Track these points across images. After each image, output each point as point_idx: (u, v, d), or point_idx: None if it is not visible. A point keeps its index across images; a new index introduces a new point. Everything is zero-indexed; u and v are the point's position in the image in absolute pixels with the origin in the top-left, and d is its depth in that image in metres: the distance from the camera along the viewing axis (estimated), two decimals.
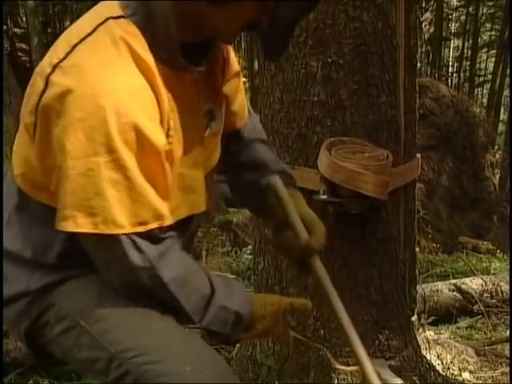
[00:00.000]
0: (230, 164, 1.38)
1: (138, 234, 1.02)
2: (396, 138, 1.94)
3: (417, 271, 2.21)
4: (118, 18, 1.02)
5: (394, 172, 1.86)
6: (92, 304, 1.09)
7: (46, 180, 1.05)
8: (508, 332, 2.99)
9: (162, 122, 1.04)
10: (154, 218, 1.03)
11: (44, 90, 0.98)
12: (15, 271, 1.13)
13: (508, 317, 3.13)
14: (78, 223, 0.98)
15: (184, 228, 1.18)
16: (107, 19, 1.01)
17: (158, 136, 1.01)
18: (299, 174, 1.91)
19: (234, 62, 1.31)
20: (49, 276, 1.12)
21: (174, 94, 1.07)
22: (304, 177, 1.89)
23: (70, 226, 0.98)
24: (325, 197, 1.81)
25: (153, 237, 1.04)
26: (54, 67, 0.98)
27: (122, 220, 0.99)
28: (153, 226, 1.03)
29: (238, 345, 2.50)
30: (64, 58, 0.98)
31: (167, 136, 1.05)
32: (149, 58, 1.01)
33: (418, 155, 2.08)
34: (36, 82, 1.00)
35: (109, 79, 0.96)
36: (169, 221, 1.07)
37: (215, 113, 1.24)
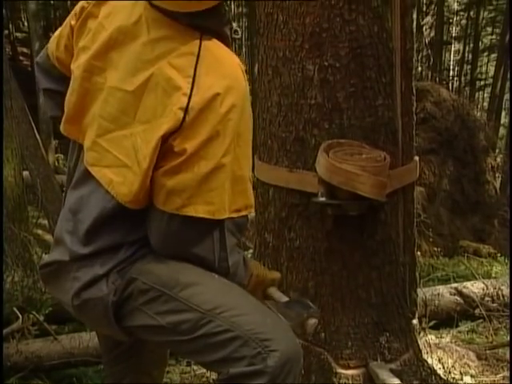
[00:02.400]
0: None
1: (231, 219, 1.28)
2: (393, 140, 1.94)
3: (417, 274, 2.20)
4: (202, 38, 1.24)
5: (392, 174, 1.86)
6: (175, 275, 1.29)
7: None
8: (509, 336, 2.99)
9: None
10: (246, 206, 1.30)
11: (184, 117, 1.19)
12: (100, 258, 1.31)
13: (509, 321, 3.12)
14: (198, 210, 1.23)
15: None
16: (200, 43, 1.23)
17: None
18: (298, 177, 1.92)
19: None
20: (133, 249, 1.31)
21: None
22: (302, 180, 1.90)
23: (190, 211, 1.23)
24: (323, 199, 1.81)
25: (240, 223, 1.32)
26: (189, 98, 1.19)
27: (227, 207, 1.25)
28: (244, 213, 1.30)
29: None
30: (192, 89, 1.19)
31: None
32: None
33: (416, 158, 2.08)
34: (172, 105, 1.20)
35: (238, 84, 1.23)
36: (253, 210, 1.34)
37: None
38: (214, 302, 1.26)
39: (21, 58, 18.01)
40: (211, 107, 1.19)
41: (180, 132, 1.20)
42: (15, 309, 2.95)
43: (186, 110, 1.18)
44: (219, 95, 1.19)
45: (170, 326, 1.27)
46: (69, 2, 16.18)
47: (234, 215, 1.27)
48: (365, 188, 1.72)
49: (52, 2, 17.39)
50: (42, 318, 2.92)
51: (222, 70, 1.23)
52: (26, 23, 17.49)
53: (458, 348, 2.71)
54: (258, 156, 2.09)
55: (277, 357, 1.20)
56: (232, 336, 1.23)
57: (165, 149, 1.21)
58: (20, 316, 2.92)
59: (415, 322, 2.18)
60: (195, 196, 1.23)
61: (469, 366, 2.56)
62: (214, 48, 1.24)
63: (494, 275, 4.21)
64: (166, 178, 1.23)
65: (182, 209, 1.23)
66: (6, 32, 16.61)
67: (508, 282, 3.48)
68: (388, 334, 2.01)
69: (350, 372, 1.95)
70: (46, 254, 3.96)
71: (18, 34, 19.12)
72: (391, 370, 1.95)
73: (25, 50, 17.61)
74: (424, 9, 14.51)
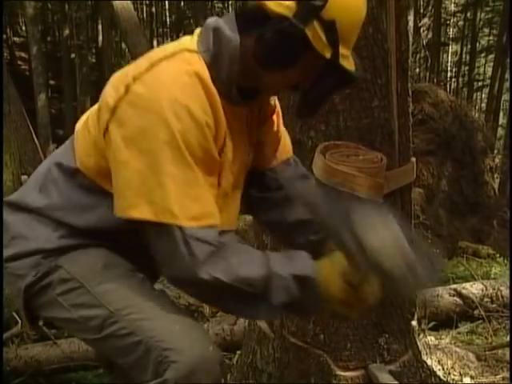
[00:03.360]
0: (274, 199, 1.51)
1: (194, 229, 1.14)
2: (390, 142, 1.94)
3: None
4: (191, 51, 1.22)
5: (389, 175, 1.87)
6: (97, 270, 1.26)
7: (104, 169, 1.23)
8: (509, 337, 2.99)
9: (216, 141, 1.21)
10: (205, 215, 1.16)
11: (123, 96, 1.16)
12: (37, 229, 1.30)
13: (509, 321, 3.12)
14: (141, 210, 1.14)
15: None
16: (184, 50, 1.22)
17: (212, 147, 1.19)
18: None
19: (278, 112, 1.53)
20: (66, 239, 1.28)
21: (229, 125, 1.26)
22: None
23: (134, 213, 1.15)
24: None
25: (207, 234, 1.16)
26: (135, 79, 1.17)
27: (176, 211, 1.13)
28: (204, 222, 1.16)
29: (238, 352, 2.50)
30: (143, 73, 1.18)
31: (221, 151, 1.24)
32: (214, 89, 1.20)
33: (413, 159, 2.09)
34: (117, 88, 1.19)
35: (176, 92, 1.14)
36: (217, 221, 1.19)
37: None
38: (123, 302, 1.22)
39: (19, 62, 18.02)
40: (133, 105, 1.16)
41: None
42: (14, 313, 2.95)
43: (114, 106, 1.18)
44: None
45: (81, 320, 1.25)
46: (66, 7, 16.20)
47: (193, 224, 1.14)
48: (362, 189, 1.73)
49: (50, 6, 17.40)
50: (41, 323, 2.91)
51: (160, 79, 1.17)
52: (23, 28, 17.51)
53: (458, 349, 2.71)
54: None
55: (176, 369, 1.15)
56: (136, 341, 1.19)
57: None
58: (19, 321, 2.92)
59: (414, 323, 2.18)
60: (136, 195, 1.15)
61: (468, 367, 2.56)
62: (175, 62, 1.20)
63: (493, 276, 4.21)
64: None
65: (128, 210, 1.16)
66: (4, 36, 16.62)
67: (507, 282, 3.48)
68: (387, 336, 2.01)
69: (349, 374, 1.95)
70: None
71: (16, 39, 19.13)
72: (390, 372, 1.95)
73: (23, 54, 17.62)
74: (421, 10, 14.54)
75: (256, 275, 1.16)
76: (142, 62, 1.23)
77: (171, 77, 1.17)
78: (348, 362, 1.96)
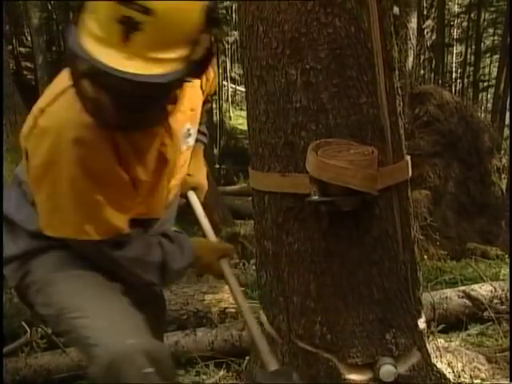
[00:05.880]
0: None
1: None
2: (381, 137, 1.94)
3: (419, 273, 2.19)
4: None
5: (383, 171, 1.86)
6: (49, 272, 1.44)
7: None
8: None
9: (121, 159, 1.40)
10: (111, 230, 1.41)
11: (32, 127, 1.37)
12: (8, 235, 1.50)
13: (509, 321, 3.10)
14: (55, 229, 1.40)
15: (145, 224, 1.60)
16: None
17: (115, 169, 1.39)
18: (290, 180, 1.92)
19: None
20: (30, 242, 1.46)
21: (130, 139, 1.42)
22: (295, 182, 1.90)
23: (48, 231, 1.40)
24: (316, 197, 1.82)
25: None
26: (42, 111, 1.36)
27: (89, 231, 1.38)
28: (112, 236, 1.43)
29: (247, 357, 2.50)
30: (47, 106, 1.35)
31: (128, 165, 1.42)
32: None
33: (408, 157, 2.09)
34: (29, 119, 1.40)
35: (70, 126, 1.32)
36: (125, 231, 1.45)
37: (191, 131, 1.66)
38: (63, 302, 1.39)
39: (25, 72, 18.13)
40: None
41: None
42: (23, 323, 2.96)
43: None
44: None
45: (46, 318, 1.46)
46: (71, 16, 16.31)
47: (105, 237, 1.41)
48: (355, 181, 1.73)
49: (55, 16, 17.54)
50: (50, 331, 2.92)
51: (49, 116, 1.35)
52: (29, 38, 17.62)
53: (468, 351, 2.69)
54: (251, 165, 2.10)
55: (97, 363, 1.30)
56: (74, 337, 1.37)
57: None
58: (28, 330, 2.93)
59: (423, 325, 2.17)
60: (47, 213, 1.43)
61: (479, 369, 2.54)
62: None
63: (502, 277, 4.17)
64: None
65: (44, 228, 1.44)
66: (10, 47, 16.74)
67: None
68: (394, 330, 1.99)
69: (358, 378, 1.95)
70: None
71: (22, 49, 19.26)
72: (400, 376, 1.94)
73: (28, 64, 17.72)
74: (424, 12, 14.54)
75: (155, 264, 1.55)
76: (46, 93, 1.41)
77: (66, 112, 1.32)
78: (356, 358, 1.95)
